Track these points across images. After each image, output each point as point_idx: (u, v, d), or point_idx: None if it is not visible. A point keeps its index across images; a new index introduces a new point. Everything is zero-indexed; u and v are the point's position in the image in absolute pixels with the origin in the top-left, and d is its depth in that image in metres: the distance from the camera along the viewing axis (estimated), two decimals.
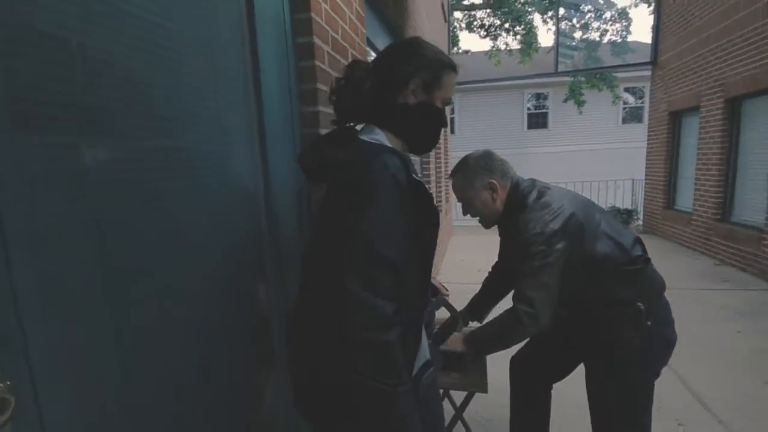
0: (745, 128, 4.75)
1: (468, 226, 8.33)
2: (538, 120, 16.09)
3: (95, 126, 0.60)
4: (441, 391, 1.68)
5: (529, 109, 16.04)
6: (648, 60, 6.96)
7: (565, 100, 13.71)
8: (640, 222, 7.82)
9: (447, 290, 1.14)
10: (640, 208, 7.93)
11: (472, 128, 15.74)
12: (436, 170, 6.55)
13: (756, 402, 2.19)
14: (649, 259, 1.33)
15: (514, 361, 1.61)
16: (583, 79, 12.38)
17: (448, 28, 8.71)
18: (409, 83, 0.87)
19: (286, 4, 1.16)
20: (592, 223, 1.26)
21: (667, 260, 5.34)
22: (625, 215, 8.22)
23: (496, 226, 1.46)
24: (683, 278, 4.50)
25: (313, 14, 1.21)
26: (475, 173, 1.36)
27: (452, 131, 14.95)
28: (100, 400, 0.59)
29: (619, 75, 12.62)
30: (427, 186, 0.94)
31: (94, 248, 0.59)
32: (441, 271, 5.22)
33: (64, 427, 0.52)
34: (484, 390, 1.42)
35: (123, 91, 0.65)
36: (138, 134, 0.68)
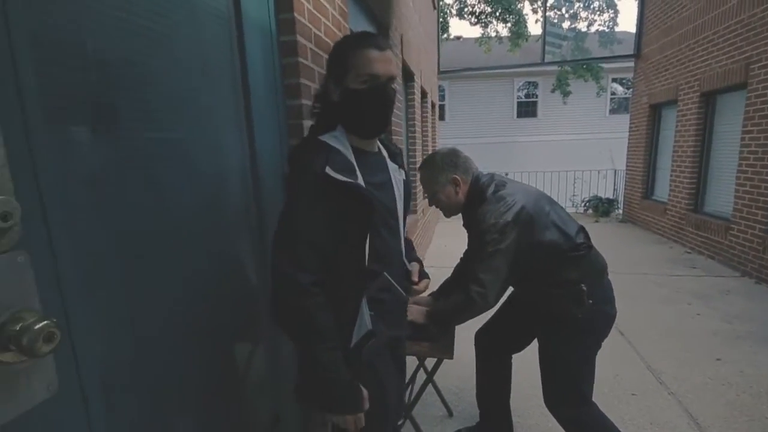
0: (718, 123, 4.95)
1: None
2: (528, 109, 16.20)
3: (107, 120, 0.71)
4: (416, 359, 1.84)
5: (519, 97, 16.13)
6: (632, 52, 7.09)
7: (553, 90, 13.85)
8: (620, 211, 8.07)
9: (419, 281, 1.22)
10: (621, 198, 8.18)
11: (463, 115, 15.79)
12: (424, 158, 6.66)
13: (705, 376, 2.41)
14: (591, 246, 1.48)
15: (479, 335, 1.79)
16: (569, 69, 12.49)
17: (438, 15, 8.71)
18: (329, 86, 0.99)
19: (271, 5, 1.26)
20: (542, 214, 1.41)
21: (642, 248, 5.60)
22: (606, 204, 8.47)
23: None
24: (655, 264, 4.74)
25: (296, 14, 1.31)
26: (441, 170, 1.51)
27: (442, 118, 15.00)
28: (115, 335, 0.73)
29: (608, 66, 12.77)
30: (409, 166, 1.02)
31: (111, 226, 0.71)
32: (426, 256, 5.38)
33: (90, 359, 0.66)
34: (450, 356, 1.59)
35: (129, 90, 0.76)
36: (143, 127, 0.79)
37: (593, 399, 1.52)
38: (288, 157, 1.00)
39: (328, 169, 0.89)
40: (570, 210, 8.94)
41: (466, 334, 1.83)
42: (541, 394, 1.57)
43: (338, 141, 0.97)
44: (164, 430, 0.88)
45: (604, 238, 6.15)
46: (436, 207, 1.59)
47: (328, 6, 1.59)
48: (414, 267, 1.21)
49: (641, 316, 3.26)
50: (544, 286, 1.46)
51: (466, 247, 1.81)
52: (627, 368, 2.50)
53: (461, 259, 1.84)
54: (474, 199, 1.48)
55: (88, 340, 0.65)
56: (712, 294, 3.74)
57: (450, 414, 2.09)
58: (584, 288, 1.40)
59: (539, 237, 1.39)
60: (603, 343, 1.51)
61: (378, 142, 1.11)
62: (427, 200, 6.56)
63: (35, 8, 0.58)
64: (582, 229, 1.49)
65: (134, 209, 0.78)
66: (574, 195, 9.22)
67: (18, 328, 0.52)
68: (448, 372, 2.30)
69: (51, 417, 0.60)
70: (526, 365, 1.89)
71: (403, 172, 1.15)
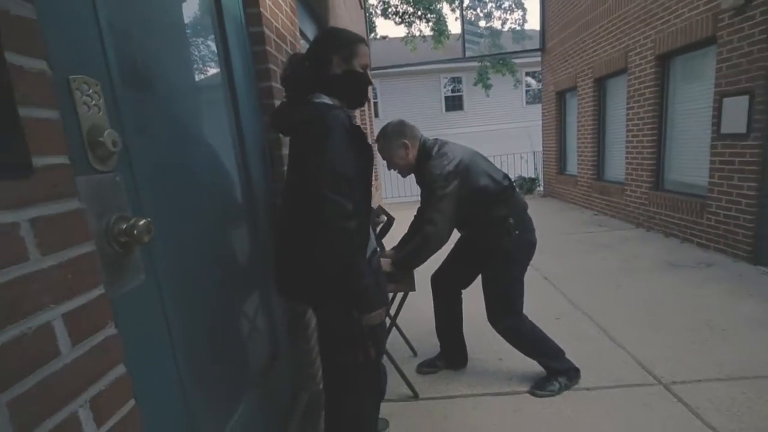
0: (609, 104, 5.86)
1: (397, 203, 8.95)
2: (455, 103, 17.26)
3: (149, 87, 0.92)
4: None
5: (446, 92, 17.13)
6: (538, 47, 8.01)
7: (475, 84, 14.92)
8: (541, 188, 9.05)
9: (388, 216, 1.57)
10: (541, 176, 9.17)
11: (395, 112, 16.36)
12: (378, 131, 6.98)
13: (610, 299, 3.00)
14: (515, 188, 1.90)
15: (433, 277, 2.16)
16: (488, 64, 13.56)
17: (365, 15, 9.08)
18: (333, 59, 1.25)
19: (240, 0, 1.48)
20: (476, 165, 1.80)
21: (560, 216, 6.42)
22: (530, 183, 9.44)
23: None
24: (571, 227, 5.52)
25: (261, 9, 1.54)
26: (392, 137, 1.85)
27: (376, 115, 15.47)
28: (174, 241, 0.93)
29: (521, 60, 14.03)
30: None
31: (161, 159, 0.92)
32: None
33: (160, 258, 0.85)
34: (413, 289, 1.92)
35: (157, 68, 0.97)
36: (167, 94, 1.00)
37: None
38: (305, 121, 1.20)
39: (353, 121, 1.15)
40: None
41: (422, 299, 2.17)
42: (486, 329, 1.96)
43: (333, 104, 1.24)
44: (202, 319, 1.09)
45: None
46: (394, 169, 1.91)
47: (282, 3, 1.83)
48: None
49: (562, 265, 3.88)
50: (481, 223, 1.85)
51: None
52: (552, 302, 3.03)
53: (415, 216, 2.17)
54: (422, 158, 1.82)
55: (159, 244, 0.86)
56: (615, 243, 4.50)
57: (415, 354, 2.43)
58: (512, 221, 1.81)
59: (475, 182, 1.77)
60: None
61: None
62: (373, 189, 6.92)
63: (110, 4, 0.79)
64: (506, 176, 1.90)
65: (172, 149, 1.00)
66: None
67: (125, 226, 0.74)
68: (411, 324, 2.65)
69: (140, 298, 0.81)
70: (473, 313, 2.28)
71: None
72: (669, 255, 3.90)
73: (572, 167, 7.23)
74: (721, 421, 1.71)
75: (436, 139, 1.90)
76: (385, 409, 1.92)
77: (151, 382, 0.83)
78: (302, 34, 2.61)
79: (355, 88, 1.28)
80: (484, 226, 1.85)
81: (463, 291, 2.17)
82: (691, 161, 4.24)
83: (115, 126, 0.76)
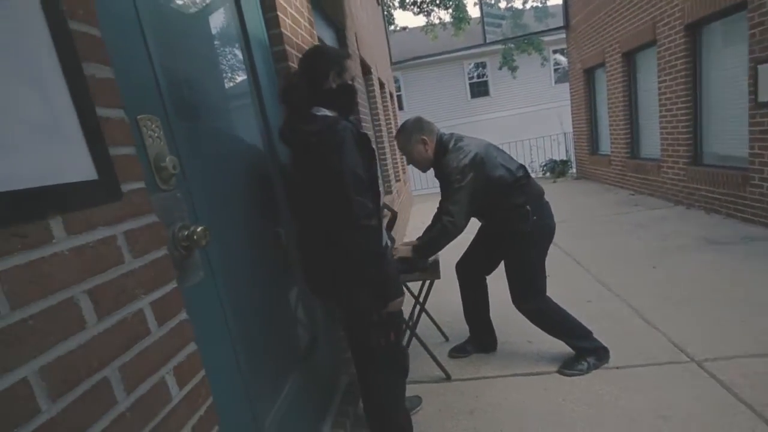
0: (639, 78, 5.64)
1: (426, 195, 9.02)
2: (480, 89, 16.94)
3: (194, 115, 1.09)
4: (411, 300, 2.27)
5: (471, 78, 16.84)
6: (562, 25, 7.76)
7: (500, 68, 14.59)
8: (574, 170, 8.80)
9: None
10: (573, 158, 8.91)
11: (420, 103, 16.33)
12: (390, 146, 7.08)
13: (645, 281, 2.97)
14: (530, 176, 1.97)
15: (458, 266, 2.25)
16: (513, 46, 13.20)
17: (382, 9, 9.12)
18: (329, 75, 1.36)
19: (263, 23, 1.63)
20: (491, 157, 1.88)
21: (594, 197, 6.26)
22: (561, 165, 9.20)
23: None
24: (606, 208, 5.39)
25: (282, 29, 1.69)
26: (411, 133, 1.95)
27: (401, 108, 15.50)
28: (222, 243, 1.10)
29: (548, 38, 13.58)
30: (379, 151, 1.40)
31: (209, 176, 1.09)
32: (406, 233, 5.82)
33: (214, 259, 1.02)
34: (438, 277, 2.03)
35: (202, 98, 1.14)
36: (209, 119, 1.17)
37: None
38: (317, 133, 1.30)
39: (360, 130, 1.30)
40: None
41: (450, 286, 2.27)
42: (515, 314, 2.05)
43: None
44: (251, 309, 1.26)
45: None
46: (413, 164, 2.01)
47: (301, 19, 1.97)
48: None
49: (595, 248, 3.84)
50: (500, 211, 1.93)
51: None
52: (583, 285, 3.03)
53: (437, 209, 2.27)
54: (440, 153, 1.92)
55: (213, 247, 1.03)
56: (650, 223, 4.38)
57: (446, 339, 2.55)
58: (529, 208, 1.88)
59: (490, 174, 1.85)
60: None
61: None
62: (401, 183, 6.98)
63: (162, 50, 0.96)
64: (522, 166, 1.97)
65: (217, 167, 1.17)
66: (531, 162, 9.91)
67: (186, 233, 0.91)
68: (441, 311, 2.76)
69: (203, 291, 0.98)
70: (503, 299, 2.36)
71: None
72: (709, 232, 3.76)
73: (605, 146, 7.01)
74: (754, 396, 1.71)
75: (452, 134, 1.99)
76: (419, 390, 2.06)
77: (215, 362, 1.00)
78: (320, 41, 2.75)
79: (349, 99, 1.42)
80: (503, 213, 1.93)
81: (488, 277, 2.25)
82: (729, 132, 4.05)
83: (173, 152, 0.93)
